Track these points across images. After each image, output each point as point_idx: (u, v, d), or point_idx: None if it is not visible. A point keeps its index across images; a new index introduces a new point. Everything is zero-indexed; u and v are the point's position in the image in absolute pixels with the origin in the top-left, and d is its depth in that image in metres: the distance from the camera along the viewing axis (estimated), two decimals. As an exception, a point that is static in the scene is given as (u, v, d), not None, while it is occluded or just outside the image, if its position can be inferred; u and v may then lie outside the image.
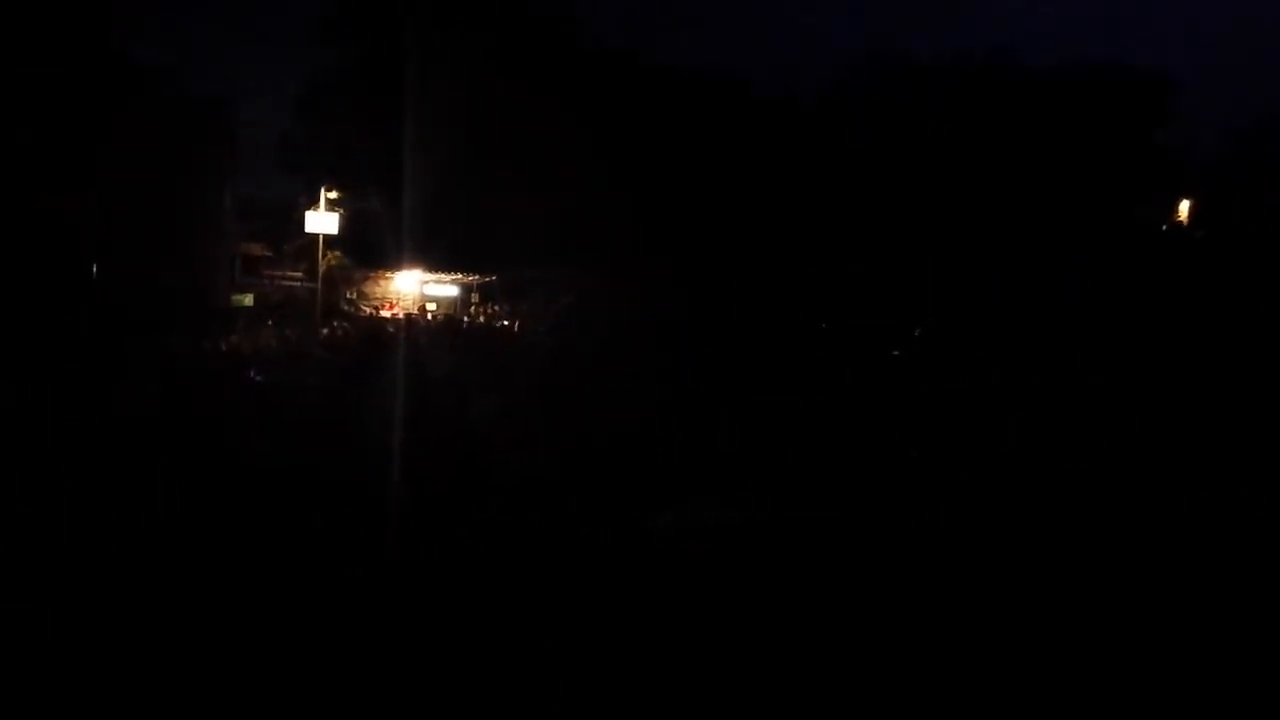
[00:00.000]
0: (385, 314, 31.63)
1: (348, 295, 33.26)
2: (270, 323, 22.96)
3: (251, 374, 17.33)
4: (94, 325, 16.17)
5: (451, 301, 36.71)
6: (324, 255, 28.77)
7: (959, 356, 17.84)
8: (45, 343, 14.28)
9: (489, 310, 32.84)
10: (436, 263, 32.40)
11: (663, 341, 18.66)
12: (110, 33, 19.13)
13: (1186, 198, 27.94)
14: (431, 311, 33.44)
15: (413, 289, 35.89)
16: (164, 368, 15.92)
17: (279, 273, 31.51)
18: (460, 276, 35.60)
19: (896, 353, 19.26)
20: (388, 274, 34.57)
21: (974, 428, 12.78)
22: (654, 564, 8.18)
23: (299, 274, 30.85)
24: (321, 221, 28.38)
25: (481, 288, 35.92)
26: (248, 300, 27.79)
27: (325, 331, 23.47)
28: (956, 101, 26.82)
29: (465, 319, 31.15)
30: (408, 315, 30.69)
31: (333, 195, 28.51)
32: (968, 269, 22.22)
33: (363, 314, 31.04)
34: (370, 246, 29.81)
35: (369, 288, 35.10)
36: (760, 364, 17.28)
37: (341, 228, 28.76)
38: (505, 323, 28.59)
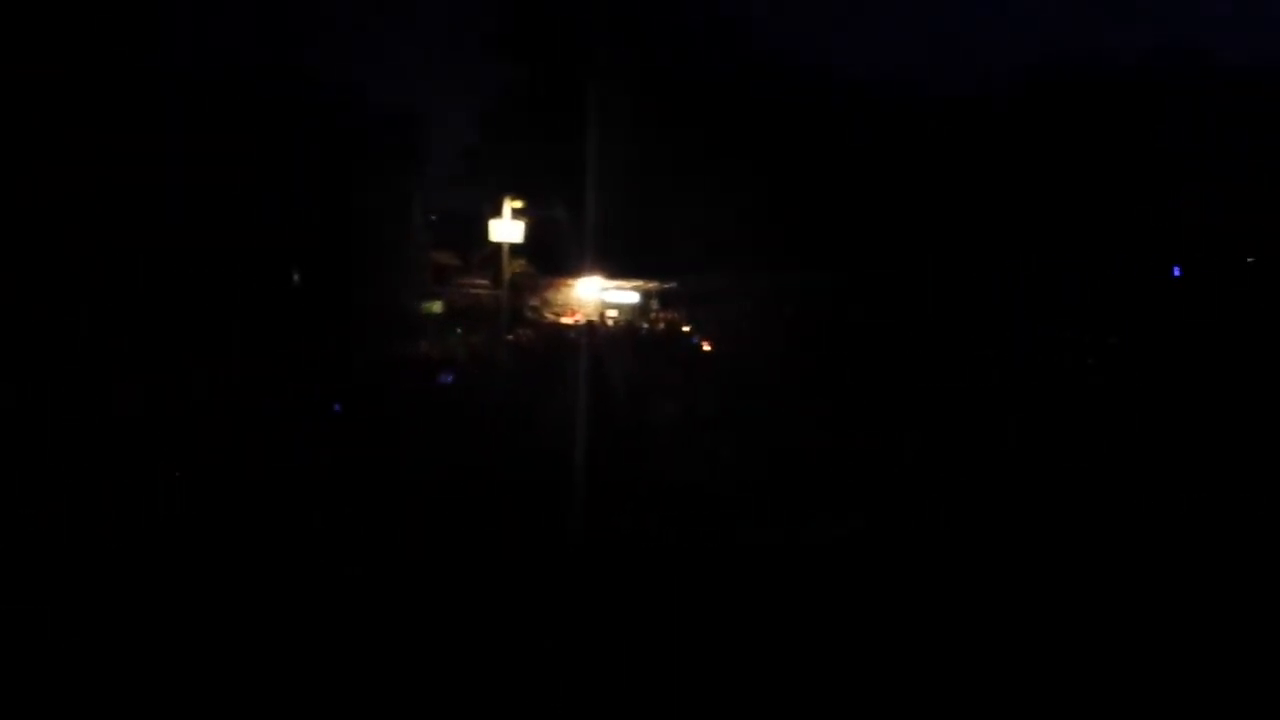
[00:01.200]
0: (566, 321, 32.22)
1: (531, 302, 34.03)
2: (457, 329, 23.70)
3: (440, 378, 17.89)
4: (296, 332, 17.04)
5: (631, 308, 37.07)
6: (509, 264, 29.52)
7: (1166, 371, 16.95)
8: (248, 346, 15.13)
9: (668, 317, 33.03)
10: (616, 270, 32.86)
11: (838, 350, 18.47)
12: (316, 57, 20.17)
13: None
14: (611, 318, 33.87)
15: (593, 296, 36.44)
16: (359, 371, 16.64)
17: (466, 281, 32.55)
18: (640, 283, 35.97)
19: (1091, 362, 18.52)
20: (569, 281, 35.19)
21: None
22: (798, 571, 8.15)
23: (485, 282, 31.77)
24: (506, 231, 29.16)
25: (661, 295, 36.24)
26: (437, 307, 28.83)
27: (509, 337, 24.07)
28: (1146, 100, 25.64)
29: (645, 326, 31.43)
30: (588, 322, 31.25)
31: (517, 205, 29.27)
32: (1169, 277, 21.19)
33: (545, 321, 31.66)
34: (553, 254, 30.53)
35: (551, 295, 35.80)
36: (945, 375, 16.88)
37: (525, 236, 29.50)
38: (684, 329, 28.74)
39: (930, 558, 8.46)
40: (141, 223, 15.93)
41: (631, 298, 37.71)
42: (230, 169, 17.36)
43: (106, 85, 15.99)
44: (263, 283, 18.04)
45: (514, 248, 30.92)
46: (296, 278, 19.34)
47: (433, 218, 32.05)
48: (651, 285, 37.36)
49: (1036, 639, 6.81)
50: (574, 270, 33.28)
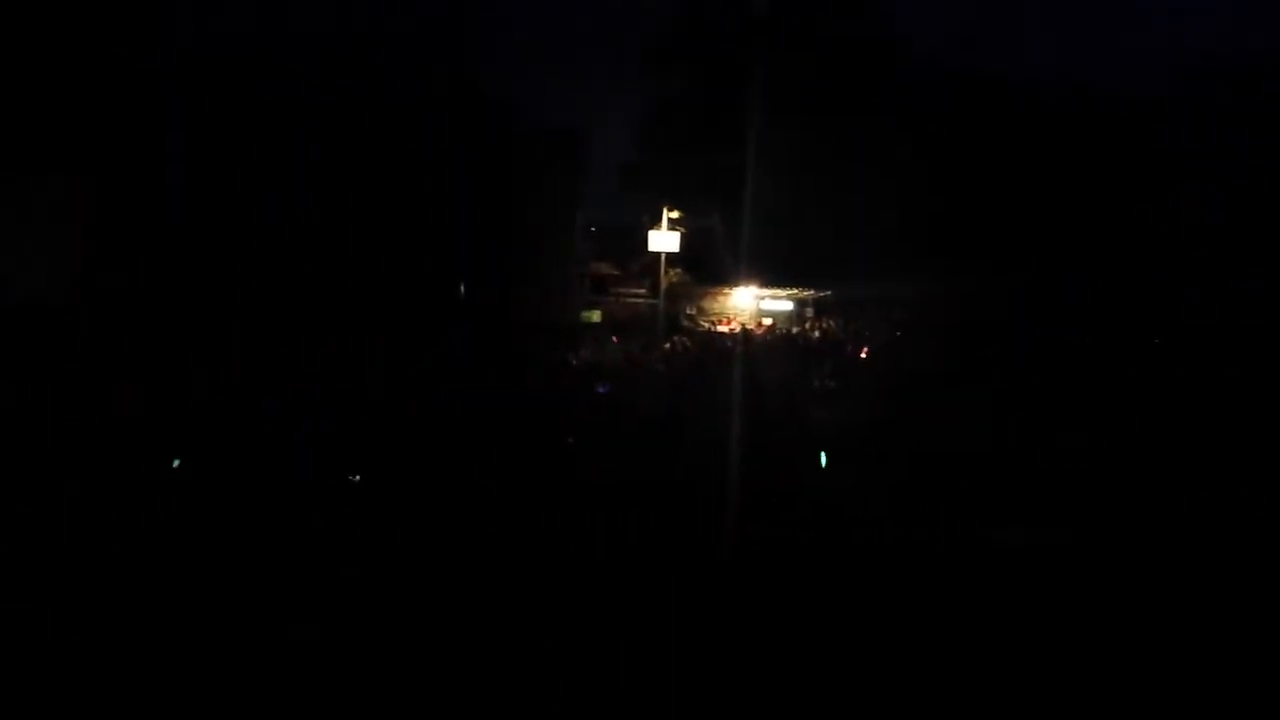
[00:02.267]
0: (722, 329, 32.44)
1: (687, 311, 34.43)
2: (615, 338, 24.07)
3: (598, 387, 18.25)
4: (463, 340, 17.71)
5: (787, 316, 37.10)
6: (666, 273, 29.97)
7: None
8: (419, 355, 15.79)
9: (824, 325, 32.96)
10: (772, 278, 32.98)
11: (1004, 356, 18.12)
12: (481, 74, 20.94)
13: None
14: (767, 326, 33.99)
15: (749, 304, 36.61)
16: (520, 379, 17.10)
17: (624, 290, 33.14)
18: (795, 291, 36.00)
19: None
20: (725, 290, 35.47)
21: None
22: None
23: (643, 291, 32.31)
24: (663, 241, 29.66)
25: (816, 302, 36.20)
26: (595, 317, 29.41)
27: (666, 346, 24.37)
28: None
29: (800, 333, 31.42)
30: (744, 329, 31.39)
31: (674, 215, 29.74)
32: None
33: (701, 329, 31.96)
34: (708, 264, 30.85)
35: (707, 304, 36.15)
36: (1127, 384, 16.40)
37: (682, 246, 29.92)
38: (841, 337, 28.62)
39: (1136, 571, 8.27)
40: (332, 235, 16.91)
41: (787, 306, 37.72)
42: (405, 185, 18.23)
43: (314, 119, 17.06)
44: (432, 294, 18.86)
45: (671, 257, 31.40)
46: (462, 289, 20.15)
47: (592, 229, 32.79)
48: (807, 293, 37.29)
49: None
50: (730, 279, 33.53)
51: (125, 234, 15.89)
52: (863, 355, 22.71)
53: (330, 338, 14.86)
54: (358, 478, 10.78)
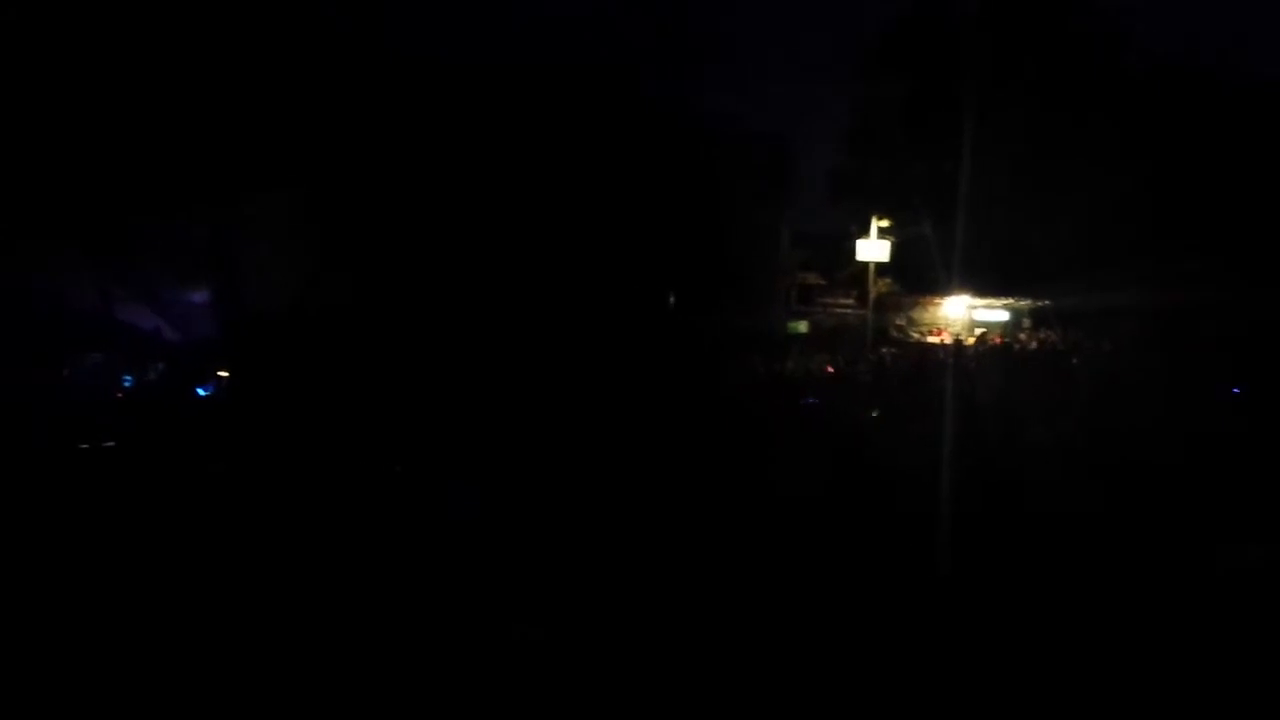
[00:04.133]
0: (933, 340, 31.62)
1: (897, 321, 33.70)
2: (822, 349, 23.87)
3: (805, 399, 18.06)
4: (672, 350, 17.86)
5: (1001, 326, 35.81)
6: (874, 282, 29.49)
7: None
8: (632, 365, 16.02)
9: (1041, 336, 31.69)
10: (985, 287, 31.96)
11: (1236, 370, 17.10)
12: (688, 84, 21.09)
13: None
14: (980, 337, 32.90)
15: (961, 314, 35.52)
16: (724, 389, 17.11)
17: (831, 300, 32.74)
18: (1010, 301, 34.72)
19: None
20: (936, 300, 34.53)
21: None
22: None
23: (850, 301, 31.85)
24: (872, 249, 29.22)
25: (1033, 313, 34.80)
26: (802, 327, 29.18)
27: (874, 357, 23.98)
28: None
29: (1016, 344, 30.31)
30: (956, 340, 30.52)
31: (883, 224, 29.25)
32: None
33: (911, 340, 31.26)
34: (919, 273, 30.17)
35: (918, 314, 35.26)
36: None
37: (892, 255, 29.39)
38: (1060, 348, 27.47)
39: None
40: (544, 246, 17.39)
41: (1001, 315, 36.44)
42: (613, 195, 18.55)
43: (529, 129, 17.60)
44: (642, 304, 19.10)
45: (881, 266, 30.88)
46: (672, 299, 20.33)
47: (799, 239, 32.51)
48: (1023, 302, 35.96)
49: None
50: (941, 288, 32.70)
51: (356, 246, 16.76)
52: (1083, 367, 21.77)
53: (546, 347, 15.26)
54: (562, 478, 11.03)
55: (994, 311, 37.12)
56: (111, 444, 14.99)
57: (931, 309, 36.43)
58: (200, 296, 19.05)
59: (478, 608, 7.78)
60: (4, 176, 16.58)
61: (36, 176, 16.70)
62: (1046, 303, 34.13)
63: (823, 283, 33.31)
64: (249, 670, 6.98)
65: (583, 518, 10.08)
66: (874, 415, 17.04)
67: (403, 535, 9.74)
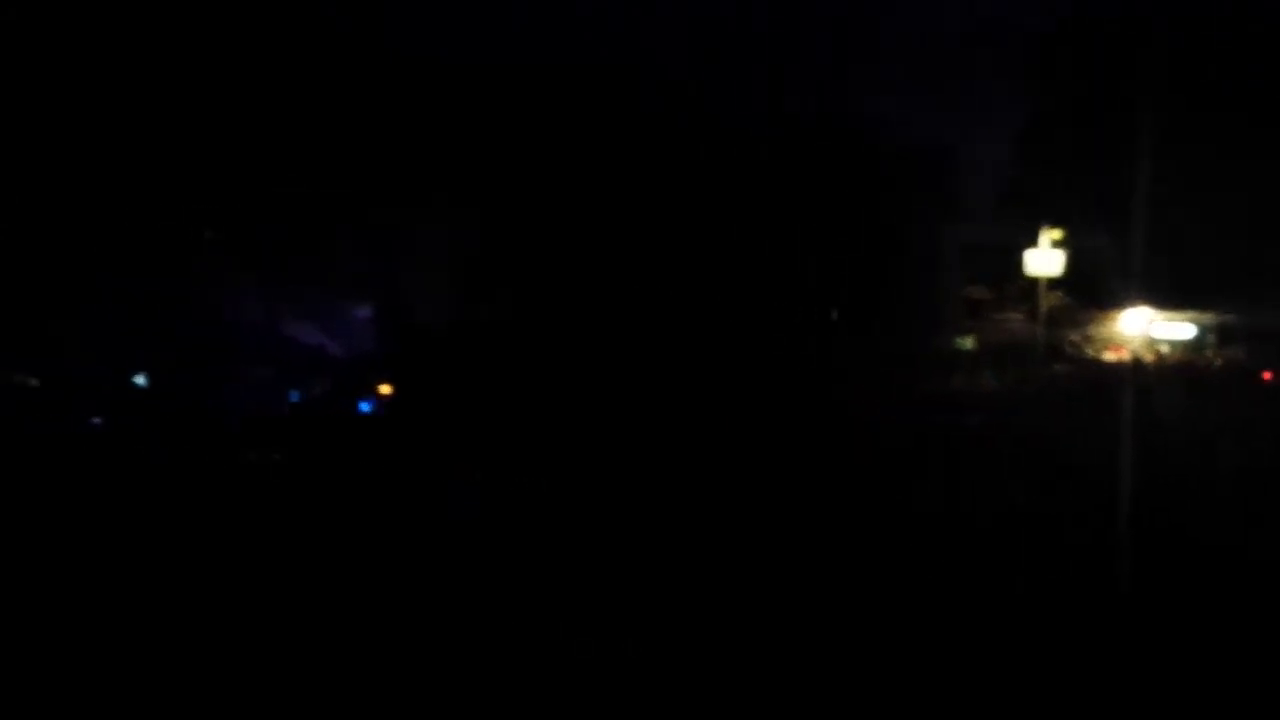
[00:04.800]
0: (1109, 356, 30.29)
1: (1070, 337, 32.35)
2: (990, 365, 23.22)
3: (970, 417, 17.51)
4: (835, 365, 17.51)
5: (1185, 343, 34.01)
6: (1045, 296, 28.42)
7: None
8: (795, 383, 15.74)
9: (1230, 353, 30.03)
10: (1166, 301, 30.52)
11: None
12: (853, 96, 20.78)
13: None
14: (1161, 354, 31.30)
15: (1140, 329, 33.89)
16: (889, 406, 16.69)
17: (999, 315, 31.61)
18: (1195, 315, 32.96)
19: None
20: (1112, 314, 33.03)
21: None
22: None
23: (1019, 316, 30.69)
24: (1043, 262, 28.14)
25: (1219, 328, 32.98)
26: (969, 343, 28.28)
27: (1047, 374, 23.19)
28: None
29: (1201, 362, 28.77)
30: (1134, 358, 29.19)
31: (1055, 234, 28.16)
32: None
33: (1085, 356, 30.01)
34: (1094, 286, 28.98)
35: (1093, 329, 33.78)
36: None
37: (1064, 267, 28.30)
38: (1252, 367, 25.96)
39: None
40: (706, 261, 17.25)
41: (1185, 331, 34.62)
42: (774, 211, 18.28)
43: (686, 141, 17.53)
44: (805, 320, 18.78)
45: (1051, 279, 29.66)
46: (834, 315, 19.93)
47: (965, 251, 31.55)
48: (1208, 317, 34.12)
49: None
50: (1118, 302, 31.28)
51: (516, 261, 16.93)
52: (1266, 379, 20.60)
53: (708, 364, 15.12)
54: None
55: (1176, 326, 35.32)
56: (278, 457, 15.41)
57: (1108, 324, 34.89)
58: (362, 313, 19.51)
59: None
60: (177, 199, 17.31)
61: (206, 197, 17.39)
62: (1233, 317, 32.35)
63: (990, 297, 32.20)
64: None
65: (747, 538, 9.88)
66: (1049, 435, 16.40)
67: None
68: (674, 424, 13.43)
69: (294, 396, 19.03)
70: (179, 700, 7.07)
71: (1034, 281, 28.92)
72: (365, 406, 18.57)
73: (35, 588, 9.60)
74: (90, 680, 7.48)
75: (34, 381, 17.77)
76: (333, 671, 7.25)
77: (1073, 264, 29.05)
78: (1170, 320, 34.90)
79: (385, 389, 18.74)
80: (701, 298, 16.94)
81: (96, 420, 17.57)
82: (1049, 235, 28.14)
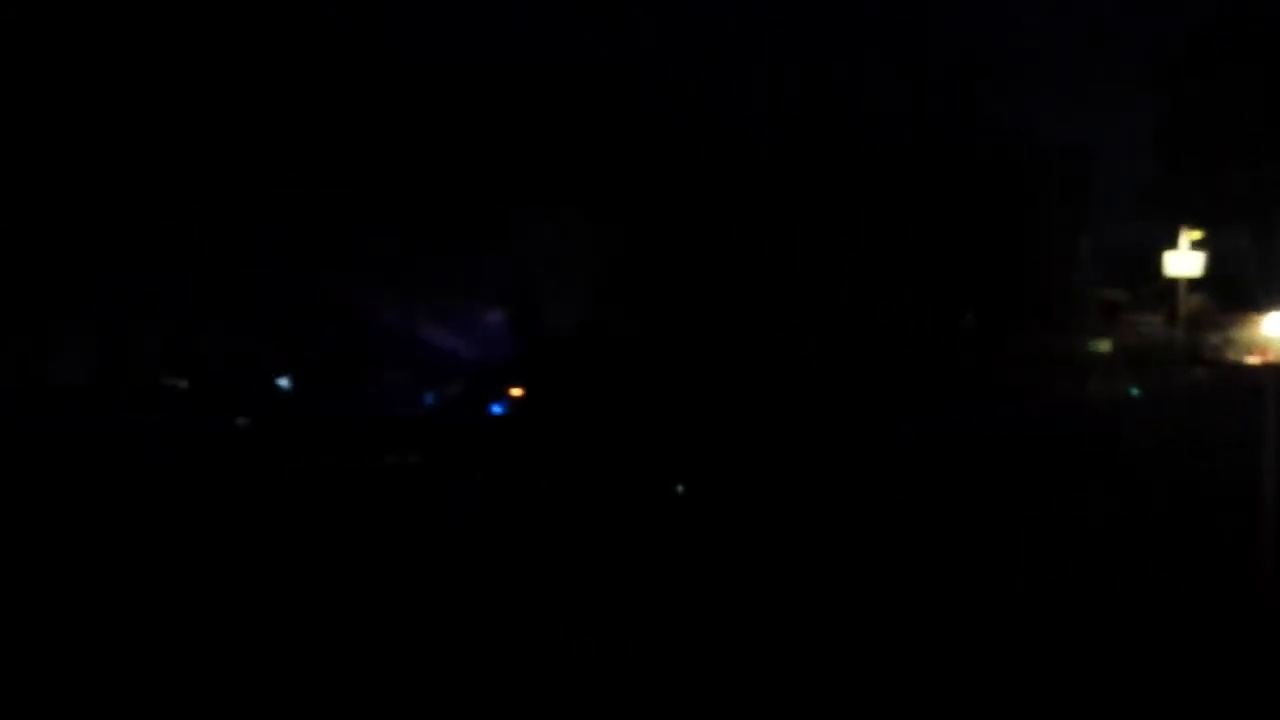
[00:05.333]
0: (1251, 360, 29.30)
1: (1210, 340, 31.37)
2: (1127, 369, 22.76)
3: (1110, 422, 17.18)
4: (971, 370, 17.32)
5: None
6: (1185, 299, 27.65)
7: None
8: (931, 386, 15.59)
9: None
10: (1314, 305, 29.45)
11: None
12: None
13: None
14: (1311, 359, 30.14)
15: (1286, 333, 32.67)
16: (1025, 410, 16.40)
17: (1137, 318, 30.82)
18: (1347, 319, 31.68)
19: None
20: (1255, 316, 31.92)
21: None
22: None
23: (1157, 319, 29.89)
24: (1182, 263, 27.41)
25: (1371, 332, 31.64)
26: (1104, 346, 27.67)
27: (1186, 379, 22.64)
28: None
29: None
30: (1278, 361, 28.19)
31: (1195, 235, 27.39)
32: None
33: (1226, 361, 29.08)
34: (1235, 288, 28.12)
35: (1234, 332, 32.68)
36: None
37: (1204, 269, 27.50)
38: None
39: None
40: (839, 265, 17.21)
41: (1334, 336, 33.34)
42: (909, 213, 18.13)
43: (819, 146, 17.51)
44: (941, 323, 18.61)
45: (1191, 281, 28.78)
46: (970, 318, 19.69)
47: (1101, 253, 30.87)
48: (1358, 321, 32.80)
49: None
50: (1260, 304, 30.23)
51: (647, 267, 17.09)
52: None
53: (845, 368, 15.08)
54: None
55: (1325, 330, 33.97)
56: (415, 459, 15.77)
57: (1249, 327, 33.67)
58: (495, 318, 19.88)
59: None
60: (323, 209, 17.90)
61: (345, 208, 17.94)
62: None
63: (1126, 299, 31.39)
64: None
65: (887, 544, 9.82)
66: (1189, 439, 16.00)
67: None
68: (818, 428, 13.42)
69: (429, 399, 19.48)
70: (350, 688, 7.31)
71: (1173, 283, 28.13)
72: (497, 409, 18.91)
73: (184, 577, 9.97)
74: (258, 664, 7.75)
75: (183, 384, 18.49)
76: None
77: (1213, 265, 28.19)
78: (1318, 324, 33.63)
79: (516, 392, 19.06)
80: (840, 303, 16.89)
81: (241, 421, 18.17)
82: (1188, 236, 27.35)
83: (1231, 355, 30.78)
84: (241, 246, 18.75)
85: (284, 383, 19.24)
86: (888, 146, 17.98)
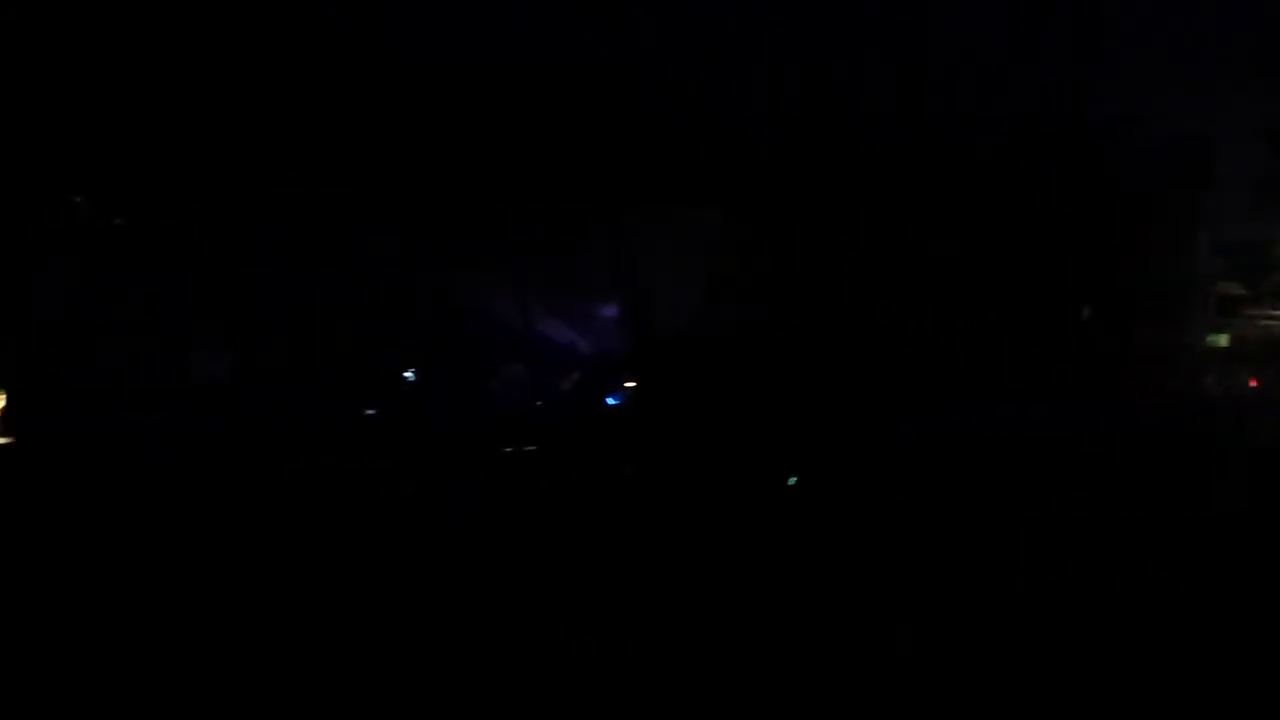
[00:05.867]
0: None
1: (1336, 334, 30.45)
2: (1245, 364, 22.28)
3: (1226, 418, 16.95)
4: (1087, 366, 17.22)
5: None
6: (1308, 291, 26.94)
7: None
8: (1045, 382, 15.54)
9: None
10: None
11: None
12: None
13: None
14: None
15: None
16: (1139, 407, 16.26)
17: (1256, 311, 30.06)
18: None
19: None
20: (1384, 310, 30.88)
21: None
22: None
23: (1278, 312, 29.14)
24: (1303, 256, 26.73)
25: None
26: (1222, 341, 27.08)
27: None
28: None
29: None
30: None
31: (1311, 224, 26.65)
32: None
33: (1348, 354, 28.19)
34: (1362, 280, 27.23)
35: (1360, 325, 31.67)
36: None
37: (1327, 261, 26.74)
38: None
39: None
40: (950, 264, 17.28)
41: None
42: (1029, 208, 18.09)
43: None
44: (1055, 318, 18.53)
45: (1315, 274, 27.99)
46: (1086, 312, 19.59)
47: (1219, 246, 30.14)
48: None
49: None
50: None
51: (760, 264, 17.37)
52: None
53: (953, 364, 15.15)
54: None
55: None
56: (532, 448, 16.34)
57: (1378, 320, 32.57)
58: (610, 311, 20.36)
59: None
60: (444, 214, 18.61)
61: (469, 212, 18.61)
62: None
63: (1246, 293, 30.59)
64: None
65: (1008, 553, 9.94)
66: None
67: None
68: (911, 428, 13.55)
69: (547, 390, 20.10)
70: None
71: (1293, 276, 27.43)
72: (612, 400, 19.44)
73: (312, 564, 10.37)
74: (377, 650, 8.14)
75: (316, 380, 19.29)
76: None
77: (1339, 257, 27.37)
78: None
79: (629, 384, 19.54)
80: (955, 299, 16.97)
81: (370, 412, 18.96)
82: (1308, 226, 26.64)
83: (1355, 349, 29.84)
84: (371, 249, 19.53)
85: (410, 375, 20.03)
86: (1005, 141, 17.98)
